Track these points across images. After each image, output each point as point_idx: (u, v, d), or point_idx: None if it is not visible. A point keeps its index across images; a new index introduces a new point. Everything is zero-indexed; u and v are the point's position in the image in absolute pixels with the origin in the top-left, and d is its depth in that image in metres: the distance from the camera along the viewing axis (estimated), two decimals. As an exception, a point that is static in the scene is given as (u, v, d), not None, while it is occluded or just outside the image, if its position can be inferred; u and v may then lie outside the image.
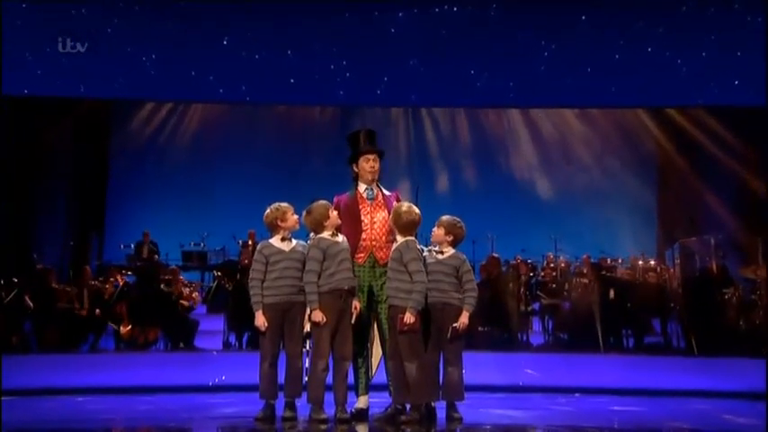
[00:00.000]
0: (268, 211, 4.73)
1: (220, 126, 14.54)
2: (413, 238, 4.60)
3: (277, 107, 13.76)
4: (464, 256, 4.69)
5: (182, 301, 8.96)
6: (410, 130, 15.33)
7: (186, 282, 9.84)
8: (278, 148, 14.80)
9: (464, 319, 4.54)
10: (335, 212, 4.71)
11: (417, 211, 4.61)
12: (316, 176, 14.34)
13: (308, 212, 4.66)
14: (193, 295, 9.39)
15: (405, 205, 4.64)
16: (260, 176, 14.23)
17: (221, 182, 14.36)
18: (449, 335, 4.51)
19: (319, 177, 14.28)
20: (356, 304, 4.62)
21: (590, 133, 14.36)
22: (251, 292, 4.63)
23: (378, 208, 4.88)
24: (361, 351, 4.83)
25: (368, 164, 4.91)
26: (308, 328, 4.61)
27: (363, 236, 4.82)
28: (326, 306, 4.51)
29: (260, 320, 4.58)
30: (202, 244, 13.19)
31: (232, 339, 8.73)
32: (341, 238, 4.68)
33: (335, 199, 4.97)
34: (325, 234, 4.63)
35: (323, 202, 4.70)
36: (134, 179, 14.18)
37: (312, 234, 4.72)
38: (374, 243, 4.80)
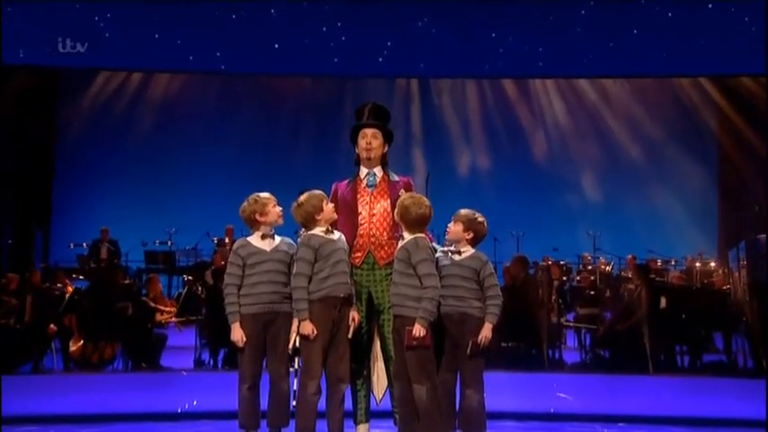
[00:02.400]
0: (245, 203, 4.70)
1: (190, 101, 14.52)
2: (423, 235, 4.56)
3: (259, 78, 13.73)
4: (485, 257, 4.65)
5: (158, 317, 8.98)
6: (418, 106, 15.29)
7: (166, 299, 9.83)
8: (260, 127, 14.79)
9: (486, 332, 4.51)
10: (331, 205, 4.67)
11: (428, 203, 4.57)
12: (306, 161, 14.37)
13: (299, 204, 4.63)
14: (166, 313, 9.36)
15: (413, 197, 4.59)
16: (239, 161, 14.22)
17: (192, 168, 14.36)
18: (468, 351, 4.48)
19: (310, 162, 14.33)
20: (354, 315, 4.59)
21: (636, 108, 14.31)
22: (225, 301, 4.61)
23: (379, 197, 4.85)
24: (361, 371, 4.80)
25: (363, 141, 4.88)
26: (294, 342, 4.57)
27: (360, 231, 4.78)
28: (318, 317, 4.48)
29: (237, 334, 4.55)
30: (169, 242, 13.17)
31: (205, 357, 8.72)
32: (337, 235, 4.64)
33: (334, 186, 4.94)
34: (318, 230, 4.59)
35: (316, 192, 4.66)
36: (86, 164, 14.18)
37: (302, 230, 4.69)
38: (373, 240, 4.77)
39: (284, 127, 14.78)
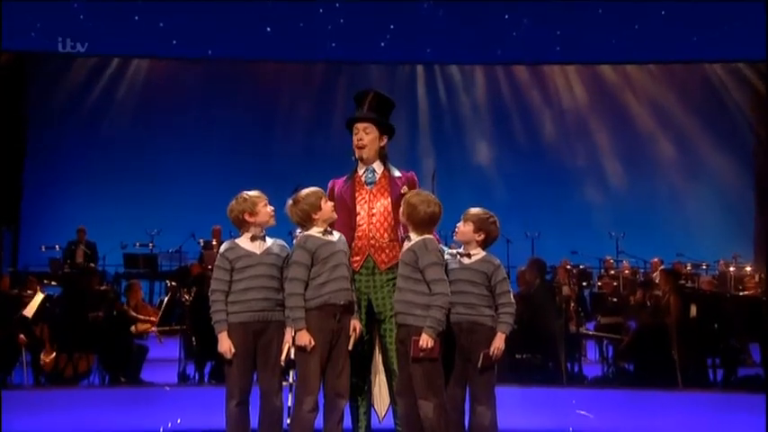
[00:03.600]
0: (233, 202, 4.69)
1: (174, 89, 14.53)
2: (432, 236, 4.55)
3: (249, 65, 13.74)
4: (498, 261, 4.63)
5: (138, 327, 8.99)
6: (424, 95, 15.29)
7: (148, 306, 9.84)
8: (250, 118, 14.80)
9: (499, 342, 4.50)
10: (330, 203, 4.64)
11: (437, 200, 4.56)
12: (301, 155, 14.37)
13: (294, 202, 4.62)
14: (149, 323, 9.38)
15: (421, 194, 4.57)
16: (227, 156, 14.24)
17: (176, 163, 14.37)
18: (479, 363, 4.47)
19: (305, 156, 14.33)
20: (356, 324, 4.58)
21: (664, 96, 14.29)
22: (212, 309, 4.60)
23: (379, 195, 4.84)
24: (361, 386, 4.78)
25: (355, 137, 4.88)
26: (288, 354, 4.55)
27: (358, 232, 4.77)
28: (315, 326, 4.45)
29: (224, 345, 4.54)
30: (151, 244, 13.19)
31: (190, 370, 8.72)
32: (336, 236, 4.62)
33: (330, 183, 4.93)
34: (315, 231, 4.58)
35: (313, 189, 4.63)
36: (60, 158, 14.19)
37: (298, 231, 4.67)
38: (373, 242, 4.75)
39: (277, 118, 14.80)
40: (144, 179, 14.33)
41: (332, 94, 14.01)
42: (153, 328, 9.30)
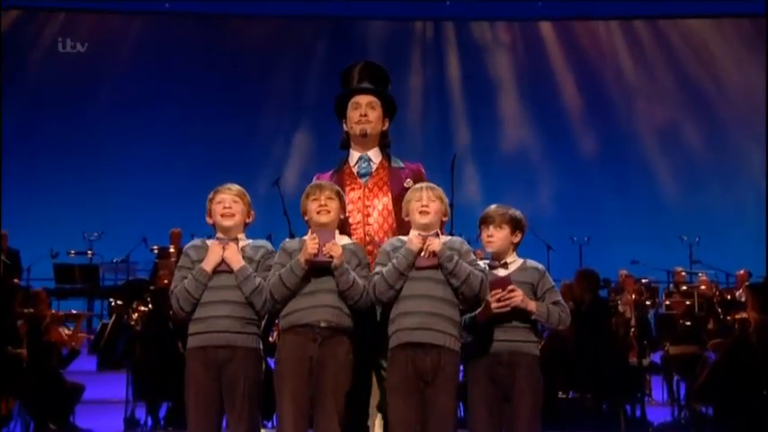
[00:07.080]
0: None
1: (120, 52, 14.50)
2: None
3: (215, 20, 13.67)
4: (542, 266, 4.70)
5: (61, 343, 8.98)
6: (439, 60, 15.23)
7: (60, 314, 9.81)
8: (218, 90, 14.77)
9: (529, 303, 4.51)
10: (316, 201, 4.58)
11: None
12: (281, 139, 14.37)
13: None
14: (78, 335, 9.35)
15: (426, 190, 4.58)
16: (188, 139, 14.23)
17: (123, 148, 14.36)
18: (493, 306, 4.46)
19: (286, 140, 14.33)
20: (333, 250, 4.41)
21: (749, 59, 14.23)
22: (177, 298, 4.61)
23: (376, 190, 4.89)
24: (359, 427, 4.73)
25: (356, 113, 4.89)
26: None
27: (353, 238, 4.78)
28: (287, 353, 4.46)
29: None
30: (90, 252, 13.18)
31: (140, 414, 8.70)
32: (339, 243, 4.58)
33: (315, 179, 4.91)
34: (309, 233, 4.57)
35: (314, 182, 4.70)
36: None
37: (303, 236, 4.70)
38: (369, 248, 4.78)
39: (250, 90, 14.74)
40: (82, 169, 14.34)
41: (319, 59, 13.97)
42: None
